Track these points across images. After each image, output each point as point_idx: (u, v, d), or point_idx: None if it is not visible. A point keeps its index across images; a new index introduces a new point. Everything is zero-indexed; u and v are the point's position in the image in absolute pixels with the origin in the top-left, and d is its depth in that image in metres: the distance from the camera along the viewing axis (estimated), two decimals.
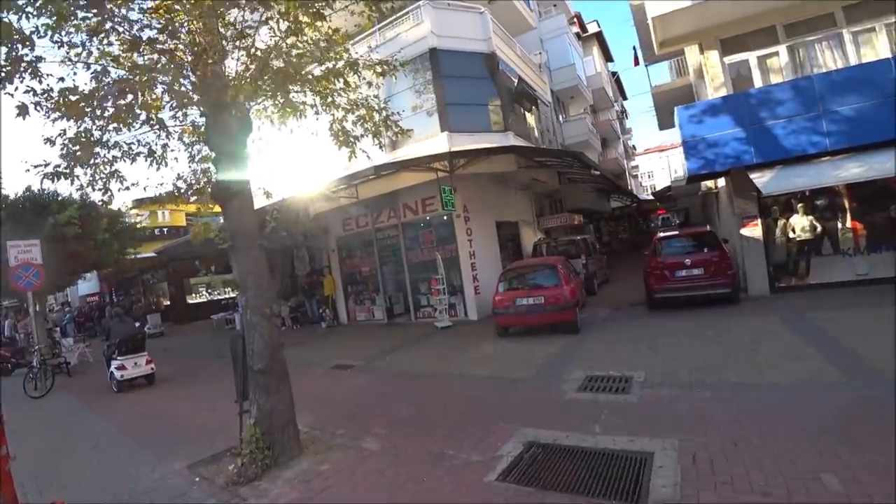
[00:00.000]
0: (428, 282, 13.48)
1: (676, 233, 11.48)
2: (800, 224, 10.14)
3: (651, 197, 35.84)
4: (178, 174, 5.85)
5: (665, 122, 18.89)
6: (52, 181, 5.13)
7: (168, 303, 27.80)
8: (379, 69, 6.32)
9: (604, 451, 4.17)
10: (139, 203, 32.38)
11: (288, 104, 5.10)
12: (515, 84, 14.84)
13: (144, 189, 5.82)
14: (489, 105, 13.78)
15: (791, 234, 10.27)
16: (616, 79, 35.62)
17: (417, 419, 5.69)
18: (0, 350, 15.30)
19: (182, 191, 5.77)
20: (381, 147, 6.47)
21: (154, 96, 5.18)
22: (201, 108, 5.32)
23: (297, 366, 9.52)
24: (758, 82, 10.59)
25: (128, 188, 5.53)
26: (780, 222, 10.46)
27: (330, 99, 5.75)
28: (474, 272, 12.71)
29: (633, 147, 53.97)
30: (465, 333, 10.91)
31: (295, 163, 11.18)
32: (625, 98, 42.14)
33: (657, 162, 66.56)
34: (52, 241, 12.64)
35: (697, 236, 10.65)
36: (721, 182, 12.25)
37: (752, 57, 10.78)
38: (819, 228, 9.97)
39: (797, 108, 9.21)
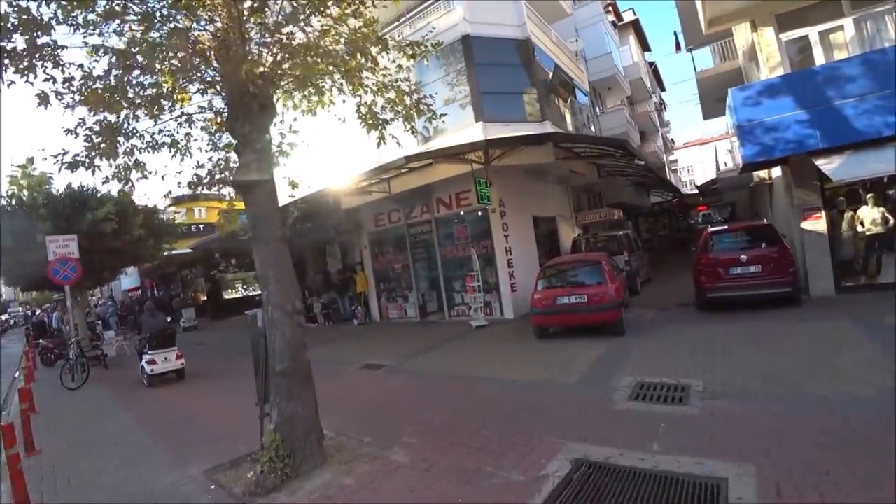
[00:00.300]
0: (462, 279, 13.04)
1: (728, 227, 10.65)
2: (870, 216, 9.16)
3: (694, 191, 34.23)
4: (198, 162, 5.54)
5: (710, 111, 17.82)
6: (72, 171, 4.95)
7: (204, 298, 28.24)
8: (409, 51, 5.88)
9: (666, 475, 3.60)
10: (177, 200, 33.19)
11: (308, 75, 4.66)
12: (552, 72, 14.20)
13: (163, 178, 5.54)
14: (525, 94, 13.21)
15: (860, 228, 9.29)
16: (654, 69, 34.25)
17: (452, 428, 5.23)
18: (45, 341, 15.75)
19: (202, 180, 5.46)
20: (413, 133, 6.01)
21: (179, 86, 4.94)
22: (221, 91, 5.02)
23: (326, 365, 9.28)
24: (819, 59, 9.64)
25: (146, 177, 5.28)
26: (847, 215, 9.50)
27: (357, 80, 5.34)
28: (510, 269, 12.18)
29: (672, 140, 52.05)
30: (501, 333, 10.42)
31: (324, 154, 10.93)
32: (663, 89, 40.51)
33: (697, 156, 64.03)
34: (91, 238, 12.78)
35: (754, 230, 9.82)
36: (776, 171, 11.32)
37: (812, 32, 9.82)
38: (892, 221, 8.98)
39: (870, 85, 8.24)
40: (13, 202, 13.63)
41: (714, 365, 6.12)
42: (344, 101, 5.69)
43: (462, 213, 12.93)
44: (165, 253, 18.27)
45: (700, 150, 61.88)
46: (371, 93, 5.59)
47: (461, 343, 10.03)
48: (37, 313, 31.66)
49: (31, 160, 14.20)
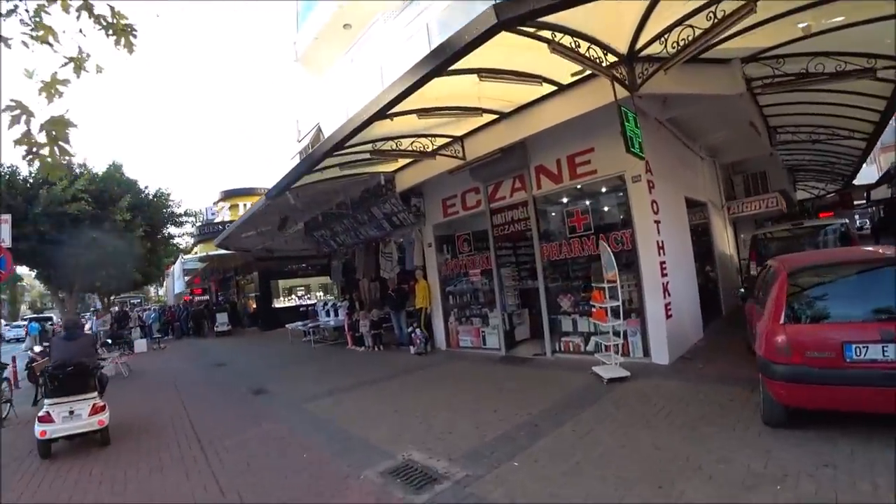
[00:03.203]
0: (575, 293, 8.25)
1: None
2: None
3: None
4: None
5: None
6: None
7: (255, 306, 25.20)
8: None
9: None
10: (228, 194, 30.89)
11: None
12: None
13: None
14: None
15: None
16: None
17: None
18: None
19: None
20: None
21: None
22: None
23: (329, 444, 4.97)
24: None
25: None
26: None
27: None
28: (664, 278, 7.21)
29: None
30: (666, 399, 5.46)
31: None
32: None
33: None
34: (57, 223, 9.30)
35: None
36: None
37: None
38: None
39: None
40: None
41: None
42: None
43: (579, 186, 8.12)
44: (181, 256, 15.01)
45: None
46: None
47: (595, 420, 5.14)
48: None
49: None
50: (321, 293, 27.34)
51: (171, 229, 21.33)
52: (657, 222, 7.30)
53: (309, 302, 23.65)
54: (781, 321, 4.19)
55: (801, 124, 11.24)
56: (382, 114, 5.51)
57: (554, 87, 6.88)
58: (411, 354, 10.57)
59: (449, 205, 10.38)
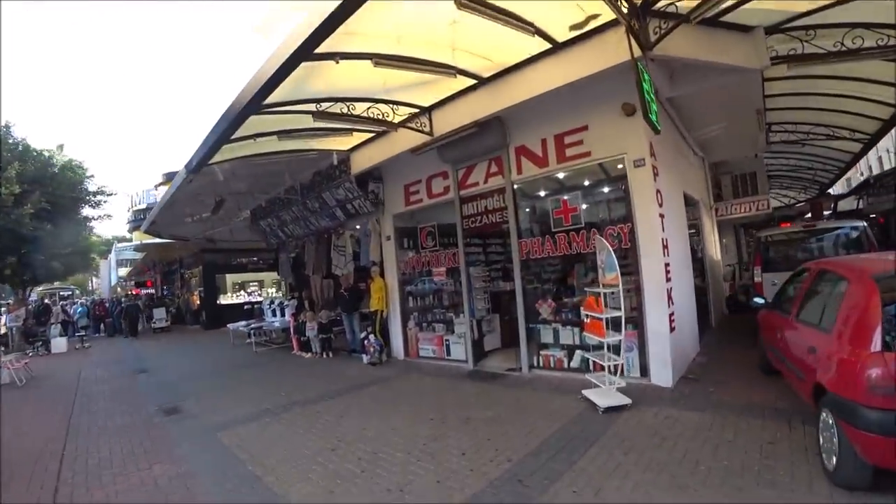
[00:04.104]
0: (561, 296, 6.99)
1: None
2: None
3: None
4: None
5: None
6: None
7: (198, 302, 22.99)
8: None
9: None
10: (171, 177, 28.42)
11: None
12: None
13: None
14: None
15: None
16: None
17: None
18: None
19: None
20: None
21: None
22: None
23: None
24: None
25: None
26: None
27: None
28: (669, 283, 5.99)
29: None
30: (688, 440, 4.19)
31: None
32: None
33: None
34: None
35: None
36: None
37: None
38: None
39: None
40: None
41: None
42: None
43: (567, 173, 6.83)
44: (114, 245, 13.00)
45: None
46: None
47: (601, 474, 3.76)
48: None
49: None
50: (274, 290, 25.32)
51: (89, 211, 18.40)
52: (662, 216, 6.08)
53: (255, 299, 21.65)
54: (875, 347, 2.96)
55: (798, 122, 10.39)
56: (319, 39, 3.95)
57: (547, 46, 5.57)
58: (364, 364, 9.07)
59: (412, 192, 8.93)
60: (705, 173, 11.41)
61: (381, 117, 6.43)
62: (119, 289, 26.74)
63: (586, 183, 6.90)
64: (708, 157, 11.57)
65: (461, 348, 8.25)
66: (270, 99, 5.09)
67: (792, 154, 13.57)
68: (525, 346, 7.18)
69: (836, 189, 21.25)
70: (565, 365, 6.84)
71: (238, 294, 24.65)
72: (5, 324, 17.45)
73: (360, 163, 8.78)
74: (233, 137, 6.20)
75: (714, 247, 11.52)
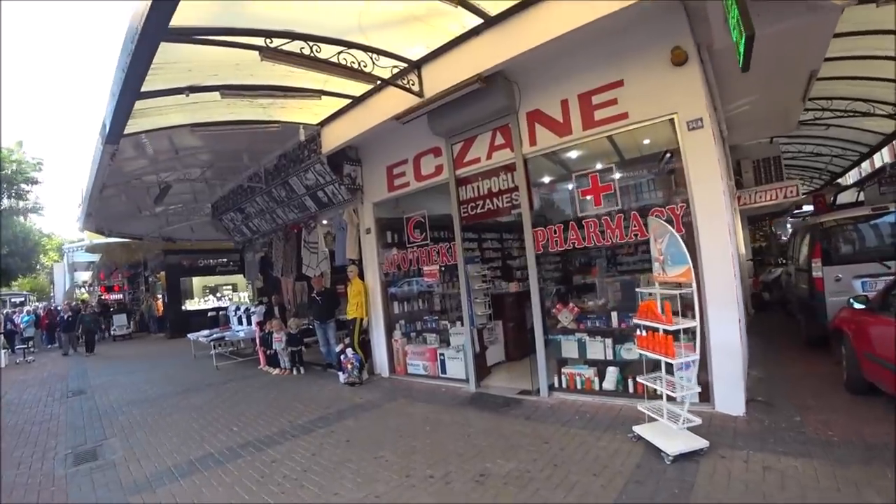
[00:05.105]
0: (582, 299, 5.55)
1: None
2: None
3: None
4: None
5: None
6: None
7: (161, 308, 21.08)
8: None
9: None
10: None
11: None
12: None
13: None
14: None
15: None
16: None
17: None
18: None
19: None
20: None
21: None
22: None
23: None
24: None
25: None
26: None
27: None
28: (736, 280, 4.58)
29: None
30: None
31: None
32: None
33: None
34: None
35: None
36: None
37: None
38: None
39: None
40: None
41: None
42: None
43: (597, 141, 5.36)
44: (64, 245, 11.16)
45: None
46: None
47: None
48: None
49: None
50: (246, 294, 23.44)
51: (9, 202, 15.62)
52: (724, 193, 4.67)
53: (224, 305, 19.80)
54: None
55: (835, 97, 9.16)
56: None
57: None
58: (340, 384, 7.50)
59: (397, 174, 7.37)
60: (727, 155, 10.11)
61: (355, 66, 4.87)
62: (76, 295, 24.55)
63: (623, 154, 5.44)
64: (729, 137, 10.29)
65: (459, 364, 6.72)
66: (192, 20, 3.51)
67: (811, 139, 12.40)
68: (544, 362, 5.69)
69: (849, 180, 20.34)
70: (595, 386, 5.37)
71: (207, 299, 22.74)
72: None
73: (333, 139, 7.19)
74: (154, 90, 4.58)
75: (739, 239, 10.23)
